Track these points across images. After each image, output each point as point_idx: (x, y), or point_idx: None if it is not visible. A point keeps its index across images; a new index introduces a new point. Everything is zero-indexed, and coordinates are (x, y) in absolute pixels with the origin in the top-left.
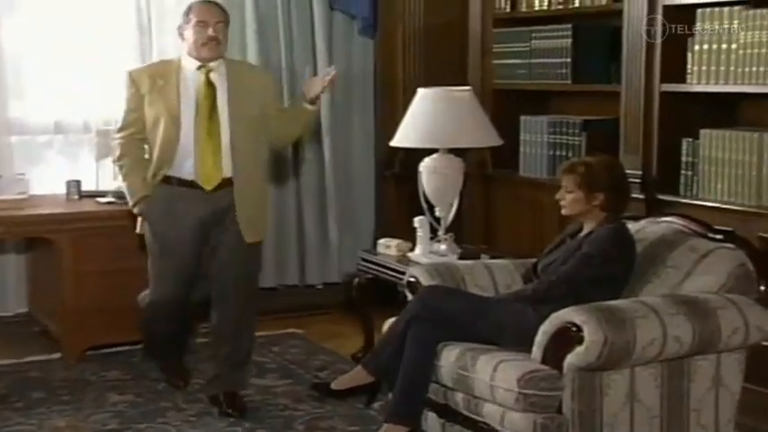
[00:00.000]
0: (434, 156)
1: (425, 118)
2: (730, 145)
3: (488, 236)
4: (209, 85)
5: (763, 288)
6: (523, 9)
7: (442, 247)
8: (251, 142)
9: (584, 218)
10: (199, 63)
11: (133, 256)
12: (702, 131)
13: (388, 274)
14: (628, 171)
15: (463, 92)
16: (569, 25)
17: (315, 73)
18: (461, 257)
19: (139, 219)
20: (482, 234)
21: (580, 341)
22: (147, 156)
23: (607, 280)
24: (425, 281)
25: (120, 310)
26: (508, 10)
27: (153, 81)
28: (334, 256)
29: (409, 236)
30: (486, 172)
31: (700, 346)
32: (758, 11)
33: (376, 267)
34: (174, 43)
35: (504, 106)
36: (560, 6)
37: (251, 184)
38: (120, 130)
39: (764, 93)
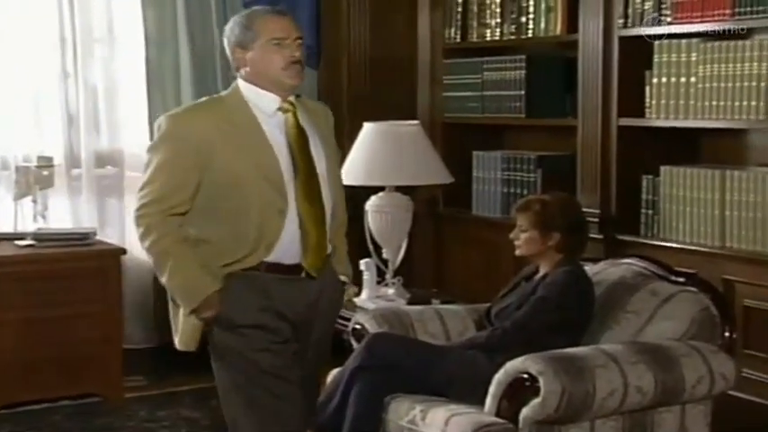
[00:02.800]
0: (381, 194)
1: (371, 154)
2: (692, 182)
3: (439, 279)
4: (300, 131)
5: (727, 334)
6: (474, 39)
7: (390, 291)
8: (342, 208)
9: (539, 259)
10: (278, 99)
11: (55, 304)
12: (663, 168)
13: None
14: (585, 210)
15: (411, 126)
16: (523, 56)
17: None
18: (410, 302)
19: (183, 323)
20: (433, 277)
21: (536, 392)
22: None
23: (564, 326)
24: (372, 328)
25: (40, 364)
26: (458, 39)
27: (219, 128)
28: None
29: (355, 279)
30: (437, 211)
31: (663, 397)
32: (716, 43)
33: None
34: (106, 75)
35: (456, 141)
36: (513, 36)
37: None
38: (152, 202)
39: (725, 128)
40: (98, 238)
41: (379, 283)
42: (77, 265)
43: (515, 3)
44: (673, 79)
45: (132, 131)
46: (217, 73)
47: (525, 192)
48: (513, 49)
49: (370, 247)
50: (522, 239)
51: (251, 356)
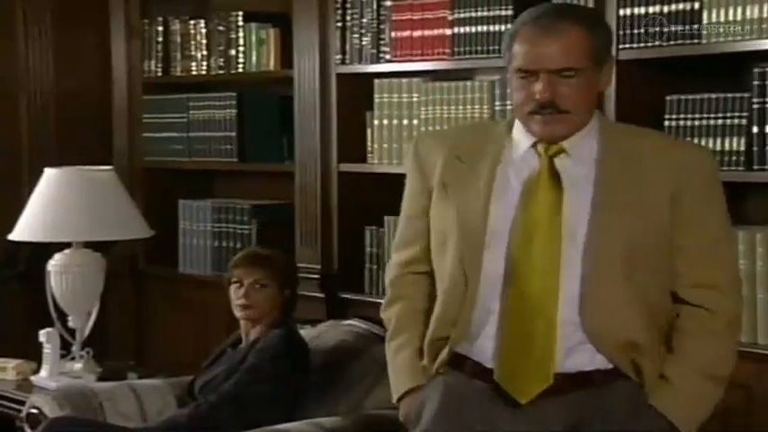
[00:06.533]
0: (67, 251)
1: (55, 204)
2: None
3: (140, 349)
4: (554, 180)
5: None
6: (178, 73)
7: (78, 365)
8: (635, 299)
9: (262, 320)
10: (533, 137)
11: None
12: (387, 218)
13: (2, 404)
14: (306, 265)
15: (104, 172)
16: (233, 93)
17: None
18: (102, 378)
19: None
20: (132, 347)
21: None
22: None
23: (278, 397)
24: (51, 412)
25: None
26: (160, 73)
27: (453, 161)
28: None
29: (34, 354)
30: (137, 269)
31: None
32: (437, 84)
33: None
34: None
35: (158, 189)
36: (221, 71)
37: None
38: (393, 252)
39: None
40: None
41: (63, 356)
42: None
43: (223, 34)
44: (395, 121)
45: None
46: None
47: (239, 245)
48: (222, 86)
49: (53, 314)
50: (262, 297)
51: None
